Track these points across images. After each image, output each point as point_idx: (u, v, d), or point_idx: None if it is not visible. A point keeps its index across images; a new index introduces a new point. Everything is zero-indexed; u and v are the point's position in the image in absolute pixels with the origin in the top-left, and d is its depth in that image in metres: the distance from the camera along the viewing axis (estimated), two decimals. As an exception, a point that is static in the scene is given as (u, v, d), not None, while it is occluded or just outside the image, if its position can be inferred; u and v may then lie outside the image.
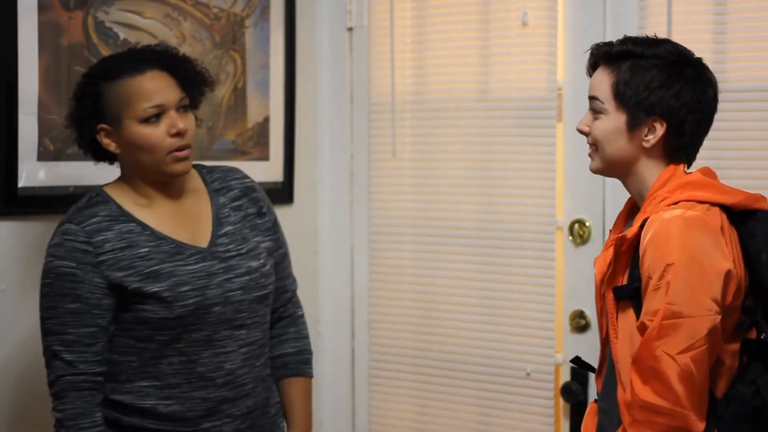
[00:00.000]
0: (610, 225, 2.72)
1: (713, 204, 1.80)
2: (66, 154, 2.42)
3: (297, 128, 3.11)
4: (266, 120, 3.00)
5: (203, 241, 2.11)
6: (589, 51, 1.93)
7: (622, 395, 1.77)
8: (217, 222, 2.15)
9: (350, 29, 3.18)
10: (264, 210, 2.24)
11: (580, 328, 2.79)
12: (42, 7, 2.35)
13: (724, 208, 1.82)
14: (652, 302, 1.74)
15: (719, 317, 1.72)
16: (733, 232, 1.81)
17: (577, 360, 2.10)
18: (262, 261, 2.17)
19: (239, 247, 2.14)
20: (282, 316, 2.30)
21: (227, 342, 2.09)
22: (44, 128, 2.37)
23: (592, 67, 1.93)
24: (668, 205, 1.80)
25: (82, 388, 2.01)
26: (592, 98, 1.90)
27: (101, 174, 2.50)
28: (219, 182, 2.21)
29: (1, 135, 2.29)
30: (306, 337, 2.34)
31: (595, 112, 1.89)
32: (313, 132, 3.21)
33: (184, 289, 2.03)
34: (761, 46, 2.55)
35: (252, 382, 2.14)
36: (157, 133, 2.01)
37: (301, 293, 3.19)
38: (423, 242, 3.07)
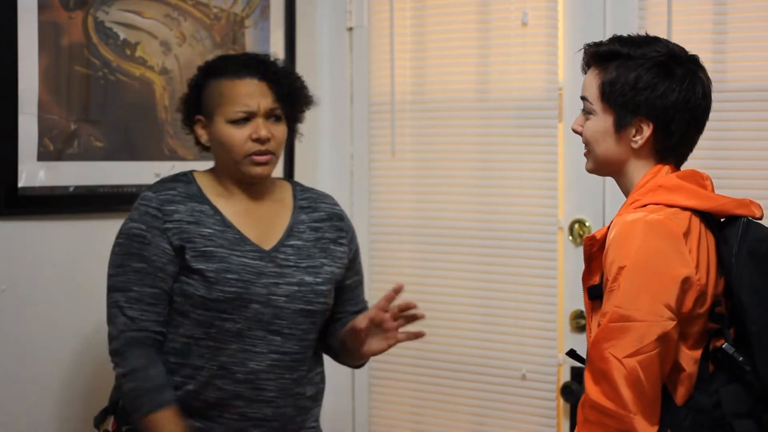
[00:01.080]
0: (610, 225, 2.73)
1: (683, 208, 1.77)
2: (66, 154, 2.42)
3: (297, 128, 3.10)
4: (266, 120, 3.00)
5: (267, 245, 2.17)
6: (582, 51, 1.92)
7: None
8: (289, 233, 2.21)
9: (350, 29, 3.18)
10: (343, 240, 2.29)
11: (581, 327, 2.79)
12: (42, 7, 2.35)
13: (702, 213, 1.78)
14: (606, 304, 1.73)
15: (672, 323, 1.69)
16: (709, 237, 1.78)
17: (572, 353, 2.10)
18: (319, 280, 2.20)
19: (299, 261, 2.19)
20: None
21: (258, 342, 2.13)
22: (44, 128, 2.37)
23: (587, 66, 1.92)
24: (635, 208, 1.78)
25: (144, 344, 2.08)
26: (582, 99, 1.89)
27: (101, 174, 2.50)
28: (307, 201, 2.28)
29: (1, 135, 2.29)
30: None
31: (586, 112, 1.88)
32: (313, 132, 3.21)
33: (230, 276, 2.10)
34: (761, 46, 2.55)
35: (276, 391, 2.16)
36: (239, 135, 2.12)
37: (301, 293, 3.20)
38: (423, 242, 3.07)
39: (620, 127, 1.83)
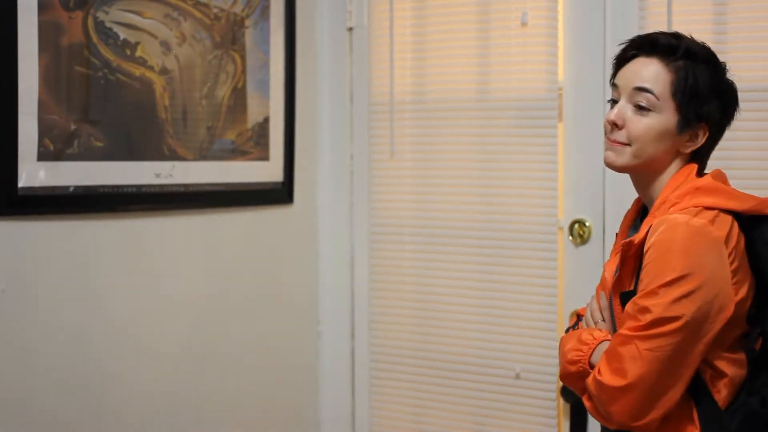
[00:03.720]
0: (610, 225, 2.74)
1: (722, 210, 1.76)
2: (66, 154, 2.42)
3: (297, 128, 3.11)
4: (266, 120, 3.00)
5: None
6: (632, 40, 1.84)
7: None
8: None
9: (350, 29, 3.18)
10: None
11: (581, 328, 2.79)
12: (42, 7, 2.35)
13: (734, 213, 1.78)
14: (645, 300, 1.71)
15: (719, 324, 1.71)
16: (741, 238, 1.78)
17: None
18: None
19: None
20: None
21: None
22: (44, 128, 2.37)
23: (630, 57, 1.83)
24: (677, 210, 1.76)
25: None
26: (641, 90, 1.79)
27: (101, 174, 2.50)
28: None
29: (1, 135, 2.29)
30: None
31: (642, 108, 1.80)
32: (313, 132, 3.21)
33: None
34: (761, 46, 2.55)
35: None
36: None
37: (301, 293, 3.21)
38: (423, 242, 3.07)
39: (682, 130, 1.81)
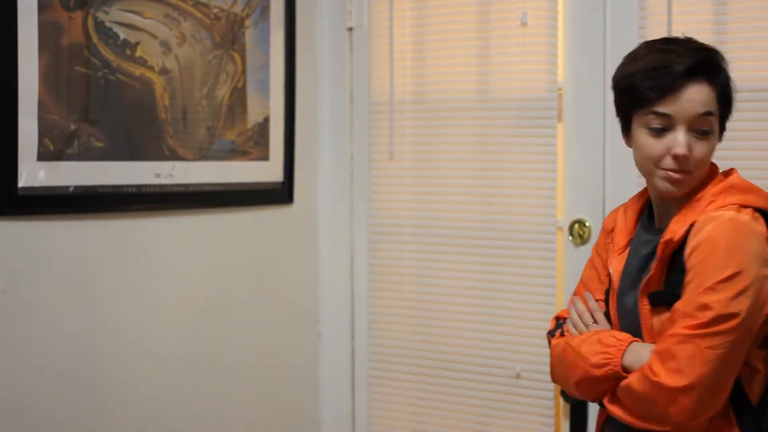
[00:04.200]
0: (610, 225, 2.73)
1: (756, 209, 1.77)
2: (66, 154, 2.42)
3: (297, 128, 3.11)
4: (266, 120, 3.00)
5: None
6: (672, 62, 1.79)
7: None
8: None
9: (350, 29, 3.18)
10: None
11: (580, 328, 2.79)
12: (42, 7, 2.35)
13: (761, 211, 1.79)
14: (704, 297, 1.70)
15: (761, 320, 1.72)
16: None
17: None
18: None
19: None
20: None
21: None
22: (44, 128, 2.37)
23: (679, 83, 1.78)
24: (716, 208, 1.77)
25: None
26: (707, 114, 1.79)
27: (101, 174, 2.50)
28: None
29: (1, 135, 2.29)
30: None
31: (704, 132, 1.80)
32: (313, 132, 3.21)
33: None
34: (761, 46, 2.55)
35: None
36: None
37: (301, 293, 3.21)
38: (423, 242, 3.07)
39: (720, 139, 1.86)
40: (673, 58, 1.79)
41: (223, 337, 2.90)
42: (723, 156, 2.55)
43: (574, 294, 2.03)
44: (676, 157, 1.79)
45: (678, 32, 2.56)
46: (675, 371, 1.69)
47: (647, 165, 1.84)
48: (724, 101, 1.83)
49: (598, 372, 1.80)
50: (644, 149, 1.83)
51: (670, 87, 1.78)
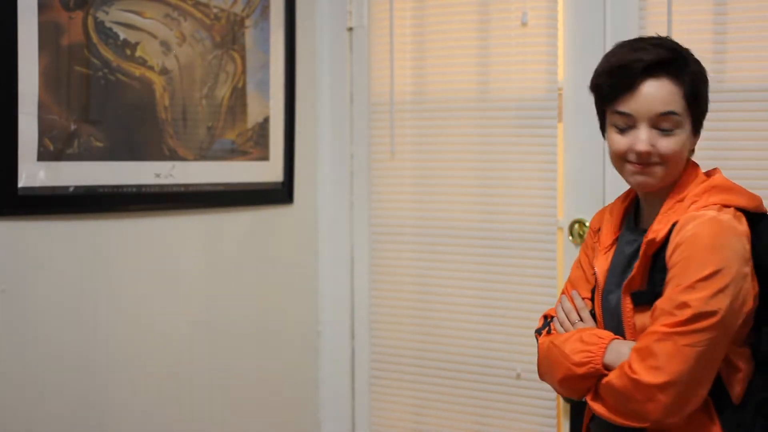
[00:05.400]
0: (610, 225, 2.73)
1: (738, 208, 1.78)
2: (66, 154, 2.42)
3: (297, 128, 3.11)
4: (266, 120, 3.00)
5: None
6: (630, 61, 1.80)
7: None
8: None
9: (350, 29, 3.18)
10: None
11: (580, 328, 2.79)
12: (42, 7, 2.35)
13: (743, 211, 1.80)
14: (683, 296, 1.71)
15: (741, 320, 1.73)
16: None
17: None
18: None
19: None
20: None
21: None
22: (44, 128, 2.37)
23: (636, 83, 1.80)
24: (698, 208, 1.78)
25: None
26: (668, 114, 1.80)
27: (101, 174, 2.50)
28: None
29: (1, 135, 2.29)
30: None
31: (667, 130, 1.81)
32: (313, 132, 3.21)
33: None
34: (761, 46, 2.55)
35: None
36: None
37: (301, 293, 3.21)
38: (423, 242, 3.07)
39: (694, 134, 1.86)
40: (635, 56, 1.80)
41: (222, 336, 2.90)
42: (723, 156, 2.56)
43: (562, 293, 2.04)
44: (638, 154, 1.82)
45: (678, 32, 2.58)
46: (654, 368, 1.70)
47: (616, 161, 1.88)
48: (692, 98, 1.81)
49: (580, 370, 1.82)
50: (612, 146, 1.88)
51: (628, 86, 1.80)
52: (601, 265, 1.91)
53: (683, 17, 2.62)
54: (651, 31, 2.62)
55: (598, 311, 1.94)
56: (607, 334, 1.83)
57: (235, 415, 2.95)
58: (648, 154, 1.81)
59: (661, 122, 1.80)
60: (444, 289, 3.04)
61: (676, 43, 1.86)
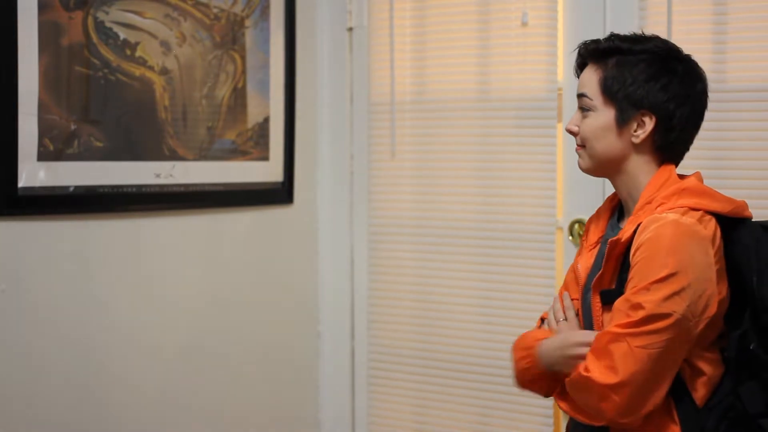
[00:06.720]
0: (610, 225, 2.73)
1: (708, 212, 1.78)
2: (66, 154, 2.42)
3: (297, 128, 3.11)
4: (266, 120, 3.00)
5: None
6: (577, 51, 1.92)
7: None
8: None
9: (350, 29, 3.18)
10: None
11: (580, 328, 2.79)
12: (42, 7, 2.35)
13: (716, 215, 1.79)
14: (637, 297, 1.72)
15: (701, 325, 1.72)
16: (721, 239, 1.79)
17: None
18: None
19: None
20: None
21: None
22: (44, 128, 2.37)
23: (580, 67, 1.93)
24: (664, 210, 1.78)
25: None
26: (580, 96, 1.89)
27: (101, 174, 2.51)
28: None
29: (1, 135, 2.29)
30: None
31: (584, 110, 1.88)
32: (313, 132, 3.21)
33: None
34: (761, 46, 2.55)
35: None
36: None
37: (301, 293, 3.21)
38: (423, 242, 3.07)
39: (622, 121, 1.84)
40: (586, 46, 1.92)
41: (223, 336, 2.90)
42: (723, 156, 2.56)
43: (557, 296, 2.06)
44: (569, 132, 1.92)
45: (678, 32, 2.58)
46: (609, 368, 1.71)
47: None
48: (612, 84, 1.84)
49: (527, 375, 1.91)
50: None
51: (577, 73, 1.94)
52: (584, 262, 1.93)
53: (683, 17, 2.62)
54: (651, 31, 2.62)
55: (579, 309, 1.95)
56: (541, 334, 1.91)
57: (236, 414, 2.95)
58: (571, 132, 1.90)
59: (579, 103, 1.89)
60: (444, 289, 3.04)
61: (638, 36, 1.87)
